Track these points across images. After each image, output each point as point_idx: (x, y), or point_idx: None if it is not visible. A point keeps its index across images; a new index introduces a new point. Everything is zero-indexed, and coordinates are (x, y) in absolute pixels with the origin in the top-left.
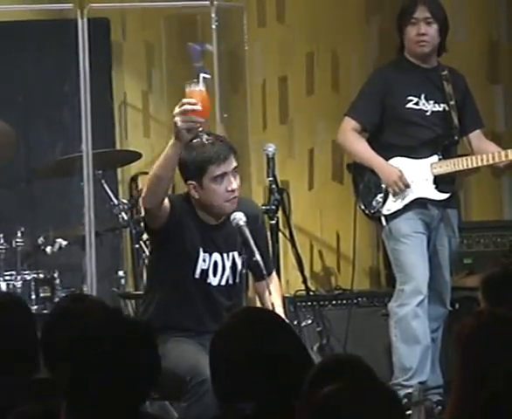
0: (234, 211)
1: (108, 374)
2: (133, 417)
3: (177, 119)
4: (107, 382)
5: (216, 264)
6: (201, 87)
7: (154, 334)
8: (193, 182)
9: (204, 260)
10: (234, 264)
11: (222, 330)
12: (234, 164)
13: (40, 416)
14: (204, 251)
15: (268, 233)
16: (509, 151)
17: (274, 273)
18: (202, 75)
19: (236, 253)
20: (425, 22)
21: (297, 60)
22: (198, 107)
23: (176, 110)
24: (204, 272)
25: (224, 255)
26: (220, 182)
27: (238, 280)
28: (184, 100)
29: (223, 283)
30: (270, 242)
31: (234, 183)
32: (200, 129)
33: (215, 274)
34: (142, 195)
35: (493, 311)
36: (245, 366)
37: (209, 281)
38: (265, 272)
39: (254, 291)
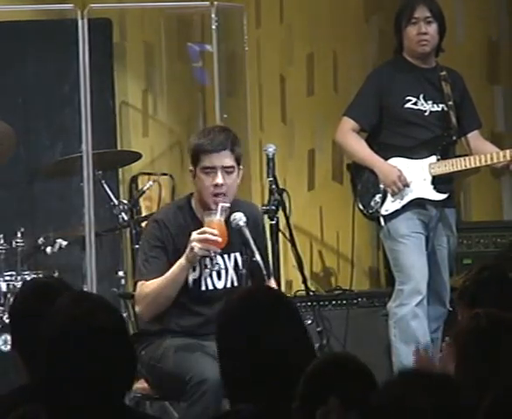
0: (234, 212)
1: (81, 372)
2: (119, 413)
3: (196, 244)
4: (81, 379)
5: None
6: (220, 218)
7: (127, 331)
8: (192, 168)
9: (193, 269)
10: (237, 265)
11: (227, 316)
12: (227, 162)
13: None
14: (214, 256)
15: (268, 233)
16: (507, 151)
17: (273, 280)
18: (221, 205)
19: (238, 254)
20: (426, 21)
21: (297, 61)
22: (219, 239)
23: (196, 236)
24: (197, 281)
25: (225, 256)
26: (208, 174)
27: (240, 281)
28: (207, 229)
29: (228, 285)
30: (270, 244)
31: (220, 178)
32: (212, 255)
33: (220, 277)
34: (139, 308)
35: (490, 312)
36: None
37: (203, 288)
38: (265, 273)
39: None
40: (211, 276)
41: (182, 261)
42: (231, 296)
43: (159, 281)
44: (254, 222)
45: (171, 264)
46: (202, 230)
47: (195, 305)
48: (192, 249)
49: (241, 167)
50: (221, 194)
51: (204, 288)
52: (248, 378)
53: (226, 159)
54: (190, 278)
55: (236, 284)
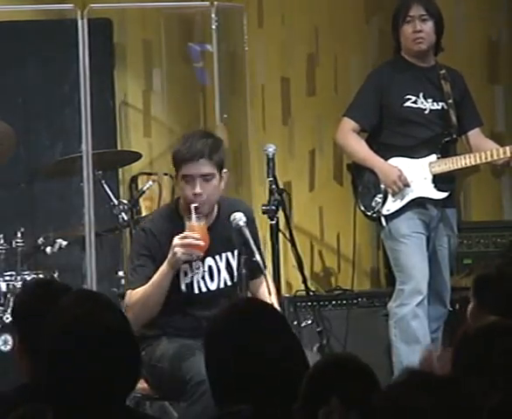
0: (233, 212)
1: (82, 372)
2: (120, 413)
3: (178, 250)
4: (82, 379)
5: (211, 268)
6: (200, 222)
7: (131, 330)
8: (176, 174)
9: (185, 274)
10: (229, 264)
11: (215, 325)
12: (205, 170)
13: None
14: (196, 260)
15: (268, 233)
16: (507, 148)
17: (267, 271)
18: (193, 206)
19: (229, 254)
20: (421, 19)
21: (298, 61)
22: (202, 243)
23: (178, 241)
24: (189, 285)
25: (217, 257)
26: (187, 182)
27: (235, 280)
28: (188, 234)
29: (221, 285)
30: (270, 244)
31: (198, 188)
32: (195, 259)
33: (212, 278)
34: (130, 316)
35: (486, 317)
36: (238, 364)
37: (196, 291)
38: (265, 271)
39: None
40: (203, 278)
41: (164, 267)
42: (222, 308)
43: (144, 289)
44: (246, 217)
45: None
46: (184, 234)
47: (191, 308)
48: (175, 254)
49: (224, 170)
50: (201, 202)
51: (197, 291)
52: (233, 385)
53: (204, 167)
54: (183, 283)
55: (229, 283)
